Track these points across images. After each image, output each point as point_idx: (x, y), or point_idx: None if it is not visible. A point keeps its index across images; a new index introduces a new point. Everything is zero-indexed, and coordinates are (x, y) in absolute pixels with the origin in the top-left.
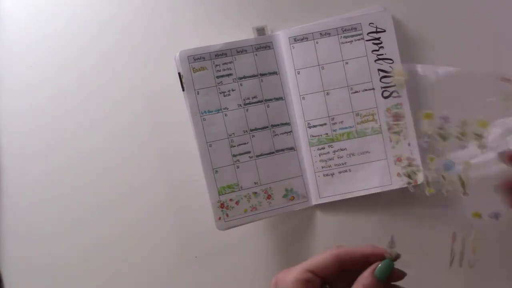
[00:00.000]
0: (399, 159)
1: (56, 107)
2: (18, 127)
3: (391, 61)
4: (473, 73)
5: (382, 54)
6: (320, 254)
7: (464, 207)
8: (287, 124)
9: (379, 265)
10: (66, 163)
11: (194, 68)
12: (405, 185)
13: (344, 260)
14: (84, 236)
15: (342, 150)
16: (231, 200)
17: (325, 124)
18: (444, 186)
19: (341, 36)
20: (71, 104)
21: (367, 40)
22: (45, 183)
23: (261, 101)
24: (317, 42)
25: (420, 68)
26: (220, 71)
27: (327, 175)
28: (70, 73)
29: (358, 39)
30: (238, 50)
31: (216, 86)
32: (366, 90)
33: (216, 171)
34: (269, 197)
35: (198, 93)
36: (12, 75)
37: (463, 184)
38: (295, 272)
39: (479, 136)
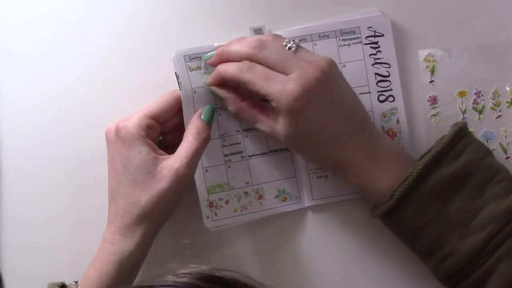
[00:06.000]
0: None
1: (53, 106)
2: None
3: (388, 66)
4: None
5: (380, 58)
6: (158, 99)
7: None
8: None
9: (203, 110)
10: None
11: (190, 67)
12: None
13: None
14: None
15: None
16: (220, 199)
17: None
18: None
19: (339, 39)
20: (67, 103)
21: (365, 44)
22: (45, 182)
23: None
24: (315, 44)
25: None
26: None
27: (320, 177)
28: (66, 73)
29: (356, 43)
30: None
31: None
32: (362, 93)
33: (206, 170)
34: (260, 197)
35: (195, 92)
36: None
37: (504, 150)
38: (137, 118)
39: None
